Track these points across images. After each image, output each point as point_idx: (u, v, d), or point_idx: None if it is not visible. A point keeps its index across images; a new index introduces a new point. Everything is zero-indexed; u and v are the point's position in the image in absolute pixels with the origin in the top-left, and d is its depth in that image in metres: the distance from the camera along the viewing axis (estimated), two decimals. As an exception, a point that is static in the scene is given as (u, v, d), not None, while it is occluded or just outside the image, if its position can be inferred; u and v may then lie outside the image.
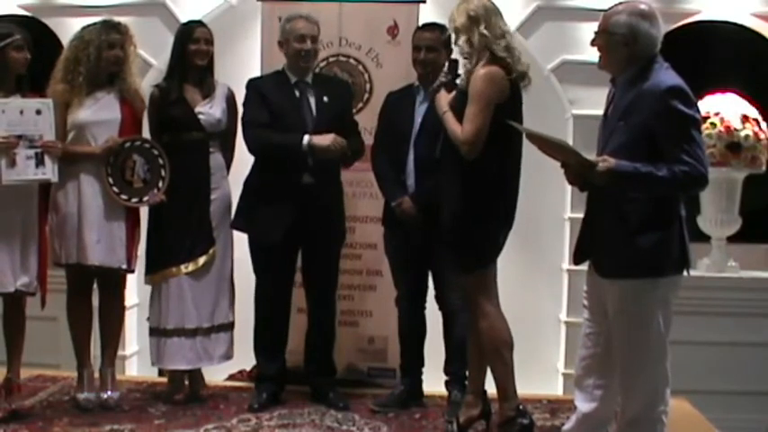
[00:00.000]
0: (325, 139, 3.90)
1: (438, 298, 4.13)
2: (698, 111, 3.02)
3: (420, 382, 4.24)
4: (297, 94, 4.04)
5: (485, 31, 3.46)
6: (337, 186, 4.17)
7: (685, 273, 3.10)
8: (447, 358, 4.13)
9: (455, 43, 3.60)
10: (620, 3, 3.12)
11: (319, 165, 3.98)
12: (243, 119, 4.10)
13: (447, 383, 4.13)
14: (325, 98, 4.03)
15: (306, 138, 3.90)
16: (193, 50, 4.07)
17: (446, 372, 4.14)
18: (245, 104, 4.10)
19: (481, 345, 3.61)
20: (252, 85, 4.13)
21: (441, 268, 3.99)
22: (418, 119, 3.99)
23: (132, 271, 4.14)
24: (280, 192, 3.98)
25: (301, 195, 3.97)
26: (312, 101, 4.06)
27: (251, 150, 4.07)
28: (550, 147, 3.09)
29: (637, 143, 2.97)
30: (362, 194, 4.55)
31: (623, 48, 3.05)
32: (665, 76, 3.01)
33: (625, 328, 3.07)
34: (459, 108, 3.50)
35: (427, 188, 3.85)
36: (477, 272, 3.55)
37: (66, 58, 4.00)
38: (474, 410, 3.76)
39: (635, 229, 3.00)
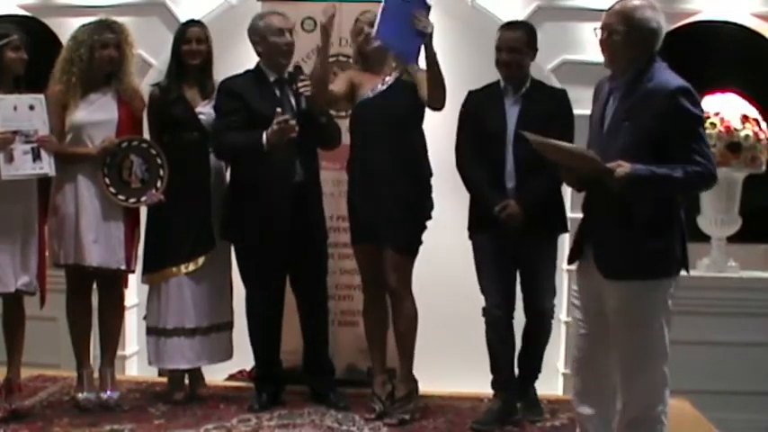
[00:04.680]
0: (275, 133, 3.82)
1: (533, 307, 4.00)
2: (702, 110, 3.05)
3: (515, 398, 4.04)
4: (277, 93, 4.00)
5: None
6: (320, 185, 4.15)
7: (684, 272, 3.12)
8: (528, 361, 4.07)
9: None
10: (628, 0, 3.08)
11: (308, 164, 4.00)
12: (213, 124, 4.02)
13: (522, 382, 4.08)
14: (301, 89, 3.96)
15: (264, 137, 3.83)
16: (185, 50, 4.08)
17: (522, 370, 4.08)
18: (215, 108, 4.03)
19: (402, 326, 3.95)
20: (225, 86, 4.03)
21: (537, 274, 3.94)
22: (512, 119, 3.86)
23: (132, 271, 4.13)
24: (272, 193, 3.96)
25: (290, 197, 3.95)
26: (292, 99, 4.02)
27: (218, 157, 4.07)
28: (564, 155, 3.08)
29: (643, 143, 2.98)
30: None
31: (646, 44, 3.04)
32: (670, 76, 3.02)
33: (627, 329, 3.07)
34: (407, 100, 3.87)
35: (531, 189, 3.79)
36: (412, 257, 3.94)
37: (63, 58, 4.00)
38: (389, 386, 4.02)
39: (642, 230, 3.01)
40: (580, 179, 3.11)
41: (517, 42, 3.89)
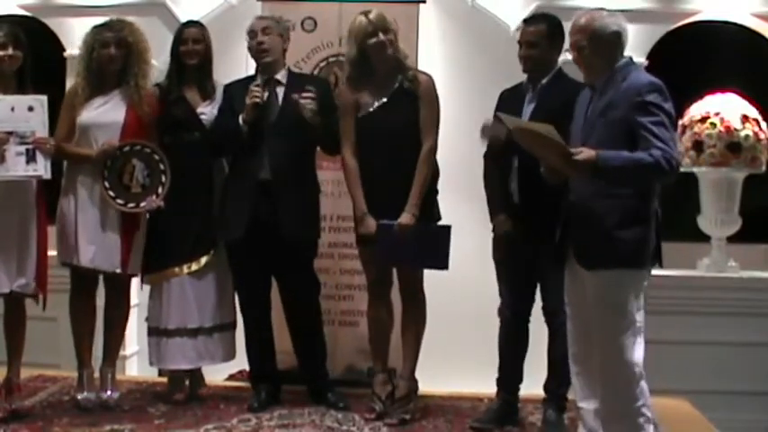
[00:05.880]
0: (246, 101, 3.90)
1: (546, 311, 3.84)
2: (672, 108, 3.13)
3: (517, 399, 3.99)
4: (265, 93, 3.98)
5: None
6: (305, 186, 4.09)
7: (658, 267, 3.22)
8: (548, 376, 3.87)
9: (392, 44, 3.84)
10: (585, 14, 3.23)
11: (277, 163, 3.96)
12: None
13: (544, 401, 3.89)
14: (294, 95, 3.97)
15: (240, 118, 3.92)
16: (182, 51, 4.09)
17: (545, 389, 3.89)
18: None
19: (412, 324, 3.99)
20: (224, 90, 4.12)
21: (551, 280, 3.71)
22: (526, 117, 3.69)
23: (132, 275, 4.12)
24: (241, 190, 3.98)
25: (261, 194, 3.95)
26: (280, 99, 4.01)
27: (214, 156, 4.12)
28: (535, 140, 3.13)
29: (617, 137, 3.08)
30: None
31: (612, 47, 3.17)
32: (644, 75, 3.16)
33: (603, 318, 3.15)
34: (408, 109, 3.82)
35: (532, 195, 3.67)
36: None
37: (76, 60, 4.03)
38: (389, 386, 4.02)
39: (618, 223, 3.10)
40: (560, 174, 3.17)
41: (534, 36, 3.76)
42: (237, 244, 4.01)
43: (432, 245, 3.84)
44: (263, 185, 3.96)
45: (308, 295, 4.15)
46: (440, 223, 3.94)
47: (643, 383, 3.15)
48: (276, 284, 4.17)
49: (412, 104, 3.88)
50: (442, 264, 3.87)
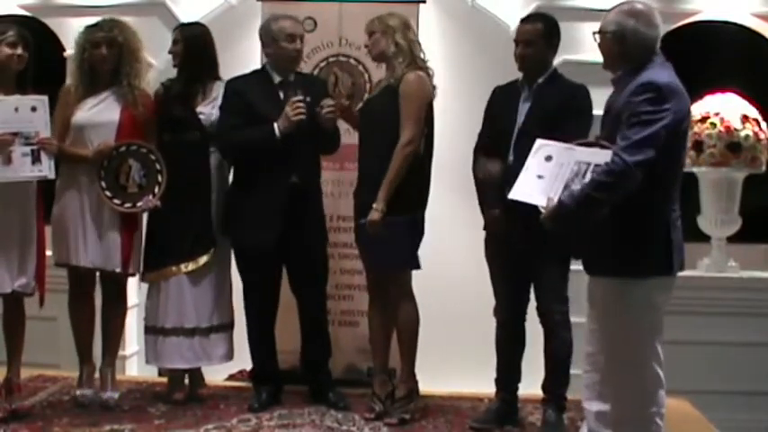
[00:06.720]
0: (288, 117, 3.87)
1: (539, 311, 3.82)
2: (665, 111, 2.92)
3: (516, 398, 4.00)
4: (281, 95, 3.99)
5: (413, 37, 3.91)
6: (319, 186, 4.18)
7: (672, 275, 3.11)
8: (546, 376, 3.87)
9: (378, 42, 3.89)
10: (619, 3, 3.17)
11: (305, 166, 4.00)
12: (217, 124, 4.03)
13: (543, 401, 3.89)
14: (308, 99, 3.97)
15: (276, 128, 3.89)
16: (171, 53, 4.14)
17: (543, 389, 3.89)
18: (221, 108, 4.03)
19: (399, 323, 3.94)
20: (230, 86, 4.05)
21: (543, 279, 3.77)
22: (521, 116, 3.74)
23: (131, 275, 4.12)
24: (270, 194, 3.96)
25: (291, 197, 3.96)
26: None
27: (224, 156, 4.09)
28: None
29: (615, 138, 3.01)
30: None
31: (613, 45, 3.10)
32: (653, 72, 3.01)
33: (608, 327, 3.12)
34: (389, 105, 3.79)
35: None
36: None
37: (71, 60, 4.03)
38: (389, 387, 4.03)
39: (618, 229, 3.02)
40: None
41: (531, 35, 3.77)
42: (256, 245, 3.99)
43: (389, 240, 3.77)
44: (293, 189, 3.96)
45: (321, 291, 4.19)
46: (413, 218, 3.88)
47: (661, 392, 3.08)
48: (282, 284, 4.18)
49: (393, 102, 3.85)
50: (401, 260, 3.84)
